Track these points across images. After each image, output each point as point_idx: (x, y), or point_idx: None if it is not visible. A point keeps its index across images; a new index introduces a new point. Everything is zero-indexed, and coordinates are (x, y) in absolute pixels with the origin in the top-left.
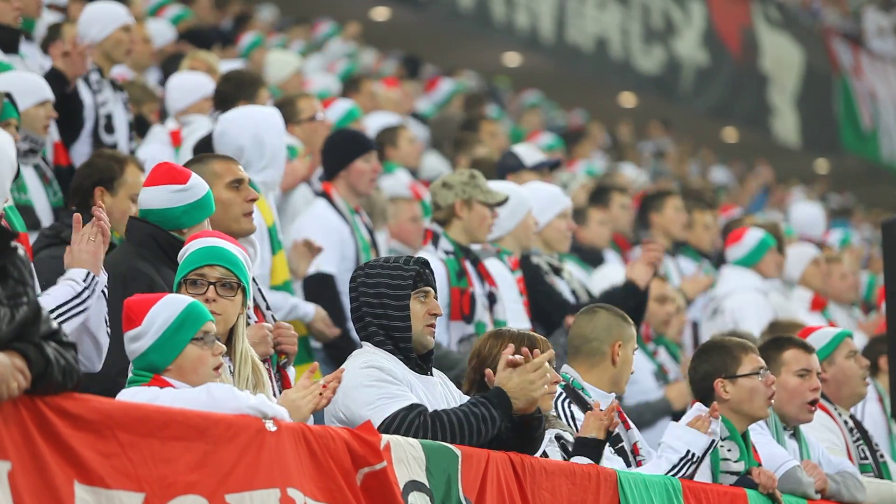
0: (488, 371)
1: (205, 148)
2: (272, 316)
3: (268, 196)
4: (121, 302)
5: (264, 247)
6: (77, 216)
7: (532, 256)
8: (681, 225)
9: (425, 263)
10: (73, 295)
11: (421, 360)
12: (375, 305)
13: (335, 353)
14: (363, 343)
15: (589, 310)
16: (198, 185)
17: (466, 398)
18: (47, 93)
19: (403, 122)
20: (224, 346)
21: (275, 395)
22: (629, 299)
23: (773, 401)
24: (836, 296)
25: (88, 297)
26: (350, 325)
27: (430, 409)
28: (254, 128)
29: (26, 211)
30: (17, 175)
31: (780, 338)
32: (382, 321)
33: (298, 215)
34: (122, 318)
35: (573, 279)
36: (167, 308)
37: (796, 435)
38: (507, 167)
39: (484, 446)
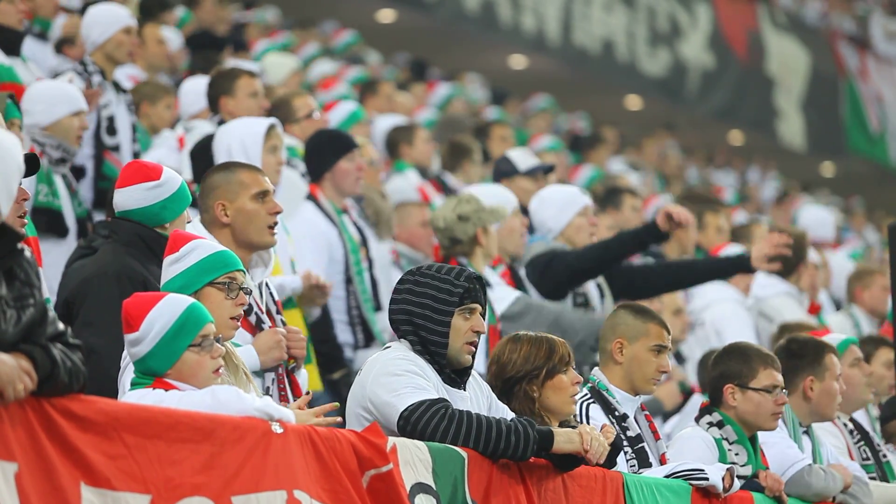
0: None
1: (201, 152)
2: (282, 321)
3: None
4: (116, 302)
5: None
6: None
7: None
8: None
9: (477, 279)
10: None
11: (455, 375)
12: (416, 315)
13: (322, 360)
14: (390, 345)
15: (615, 308)
16: (172, 178)
17: (507, 417)
18: (82, 103)
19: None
20: (223, 348)
21: (286, 398)
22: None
23: (780, 415)
24: (872, 307)
25: None
26: (337, 331)
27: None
28: (227, 140)
29: (55, 216)
30: (51, 180)
31: (812, 341)
32: (421, 332)
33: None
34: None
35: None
36: (164, 312)
37: (809, 433)
38: (501, 172)
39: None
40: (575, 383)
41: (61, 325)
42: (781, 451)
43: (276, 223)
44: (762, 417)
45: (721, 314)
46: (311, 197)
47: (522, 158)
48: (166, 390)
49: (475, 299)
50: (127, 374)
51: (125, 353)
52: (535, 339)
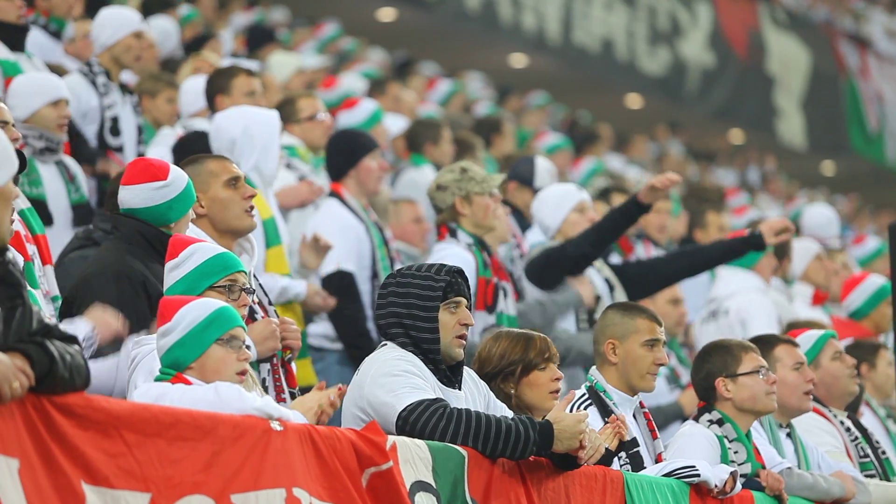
0: None
1: (181, 149)
2: (275, 311)
3: (266, 190)
4: (114, 302)
5: (259, 240)
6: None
7: None
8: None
9: (459, 273)
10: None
11: (450, 372)
12: (404, 316)
13: (355, 354)
14: (387, 343)
15: (604, 310)
16: (179, 178)
17: (508, 416)
18: (62, 92)
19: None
20: (252, 355)
21: (281, 388)
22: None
23: (774, 395)
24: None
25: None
26: (371, 325)
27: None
28: (244, 122)
29: (38, 205)
30: (32, 169)
31: (766, 336)
32: (411, 332)
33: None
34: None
35: (603, 267)
36: (199, 308)
37: (792, 435)
38: (518, 175)
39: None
40: (555, 379)
41: (50, 320)
42: (763, 452)
43: (252, 207)
44: (760, 401)
45: (747, 304)
46: (335, 193)
47: (543, 175)
48: (174, 384)
49: (458, 292)
50: (138, 370)
51: (135, 350)
52: (514, 335)
